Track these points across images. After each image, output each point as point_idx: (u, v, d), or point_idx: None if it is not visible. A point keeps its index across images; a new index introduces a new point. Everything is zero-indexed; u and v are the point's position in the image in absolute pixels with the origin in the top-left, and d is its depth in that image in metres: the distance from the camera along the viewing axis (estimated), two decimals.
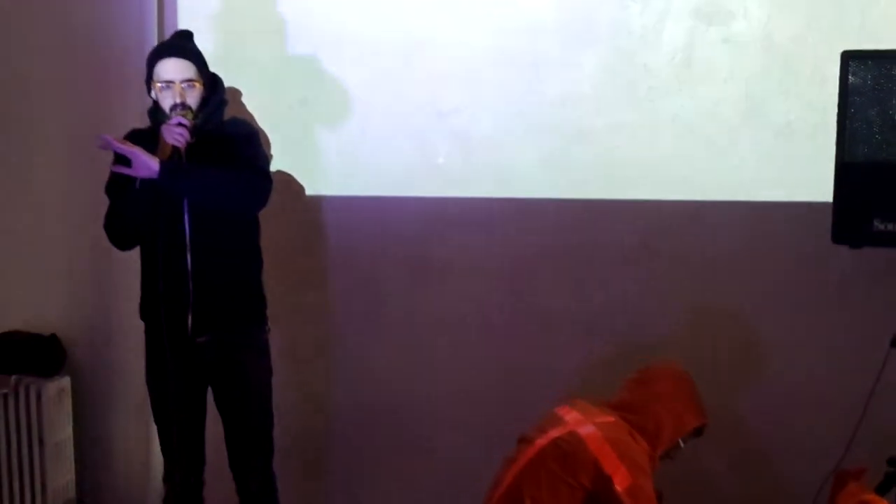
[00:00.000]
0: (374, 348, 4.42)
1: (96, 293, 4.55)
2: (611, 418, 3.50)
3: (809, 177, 3.95)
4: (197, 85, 3.59)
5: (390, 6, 4.29)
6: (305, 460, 4.32)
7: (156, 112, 3.64)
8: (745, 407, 4.11)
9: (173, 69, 3.57)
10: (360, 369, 4.44)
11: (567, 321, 4.25)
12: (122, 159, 3.47)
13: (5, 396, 4.24)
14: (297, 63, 4.35)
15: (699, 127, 4.10)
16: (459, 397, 4.34)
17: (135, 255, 4.41)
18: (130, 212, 3.55)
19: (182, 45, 3.67)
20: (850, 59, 3.51)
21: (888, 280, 3.81)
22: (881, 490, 3.56)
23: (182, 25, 4.36)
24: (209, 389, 3.77)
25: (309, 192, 4.41)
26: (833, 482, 3.60)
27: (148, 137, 3.58)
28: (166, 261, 3.55)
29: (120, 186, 3.56)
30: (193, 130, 3.52)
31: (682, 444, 3.53)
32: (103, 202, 4.42)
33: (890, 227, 3.50)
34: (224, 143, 3.60)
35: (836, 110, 3.55)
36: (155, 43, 4.28)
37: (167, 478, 3.81)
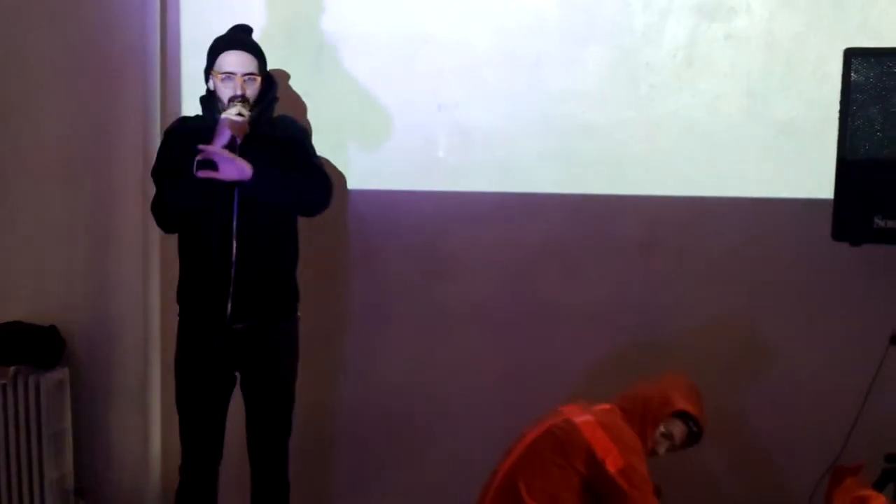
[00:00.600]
0: (373, 341, 4.42)
1: (95, 285, 4.54)
2: (606, 406, 3.58)
3: (810, 174, 3.97)
4: (257, 79, 3.71)
5: (393, 1, 4.29)
6: (311, 453, 4.31)
7: (210, 100, 3.74)
8: (744, 402, 4.12)
9: (236, 62, 3.68)
10: (362, 362, 4.44)
11: (568, 316, 4.25)
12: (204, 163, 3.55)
13: (4, 387, 4.23)
14: (300, 58, 4.36)
15: (700, 124, 4.11)
16: (463, 391, 4.34)
17: (132, 247, 4.44)
18: (187, 198, 3.63)
19: (245, 39, 3.79)
20: (853, 57, 3.53)
21: (888, 277, 3.82)
22: (879, 486, 3.58)
23: (185, 26, 4.39)
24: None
25: None
26: (831, 478, 3.62)
27: (198, 124, 3.73)
28: (214, 248, 3.66)
29: (172, 173, 3.65)
30: (250, 122, 3.62)
31: (665, 431, 3.55)
32: (102, 194, 4.44)
33: (890, 224, 3.52)
34: (281, 143, 3.71)
35: (837, 107, 3.57)
36: (157, 44, 4.40)
37: (185, 467, 3.85)
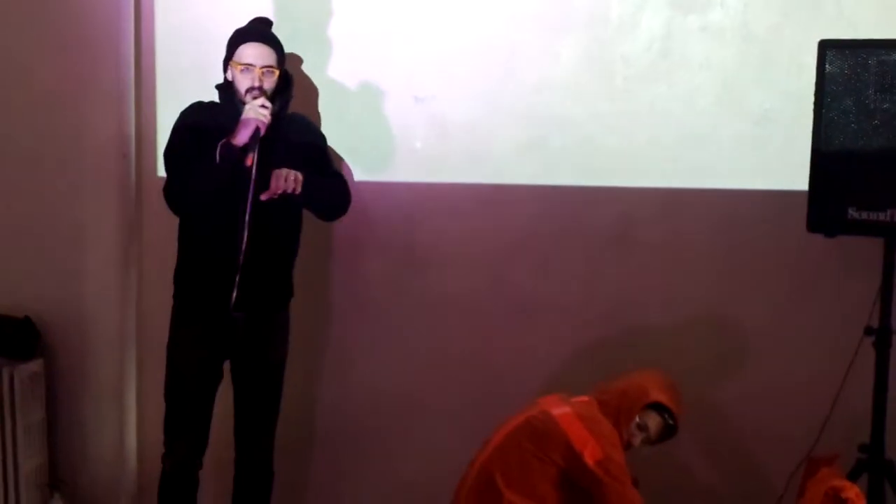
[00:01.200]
0: (350, 332, 4.42)
1: (70, 277, 4.53)
2: (584, 398, 3.59)
3: (786, 165, 3.97)
4: (275, 72, 3.77)
5: None
6: (290, 445, 4.30)
7: (227, 90, 3.80)
8: (719, 394, 4.12)
9: (255, 54, 3.74)
10: (339, 353, 4.44)
11: (545, 307, 4.25)
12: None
13: None
14: None
15: (676, 115, 4.11)
16: (440, 382, 4.35)
17: (107, 237, 4.42)
18: (205, 185, 3.66)
19: (266, 31, 3.84)
20: (828, 49, 3.54)
21: (862, 269, 3.82)
22: (853, 476, 3.59)
23: (159, 17, 4.37)
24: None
25: None
26: (805, 468, 3.64)
27: (213, 110, 3.81)
28: (223, 237, 3.71)
29: (187, 158, 3.68)
30: (271, 114, 3.67)
31: (640, 422, 3.55)
32: (77, 184, 4.42)
33: (864, 215, 3.53)
34: (303, 147, 3.83)
35: (812, 99, 3.57)
36: (132, 34, 4.40)
37: (168, 456, 3.85)
